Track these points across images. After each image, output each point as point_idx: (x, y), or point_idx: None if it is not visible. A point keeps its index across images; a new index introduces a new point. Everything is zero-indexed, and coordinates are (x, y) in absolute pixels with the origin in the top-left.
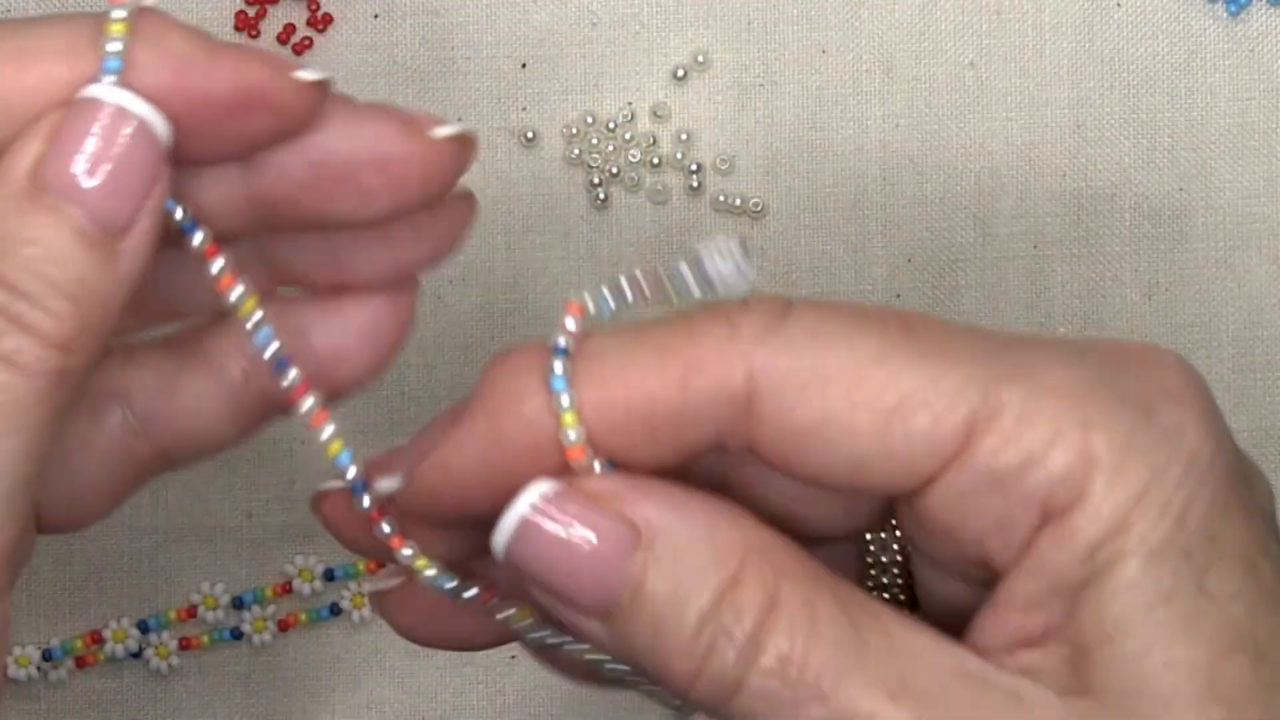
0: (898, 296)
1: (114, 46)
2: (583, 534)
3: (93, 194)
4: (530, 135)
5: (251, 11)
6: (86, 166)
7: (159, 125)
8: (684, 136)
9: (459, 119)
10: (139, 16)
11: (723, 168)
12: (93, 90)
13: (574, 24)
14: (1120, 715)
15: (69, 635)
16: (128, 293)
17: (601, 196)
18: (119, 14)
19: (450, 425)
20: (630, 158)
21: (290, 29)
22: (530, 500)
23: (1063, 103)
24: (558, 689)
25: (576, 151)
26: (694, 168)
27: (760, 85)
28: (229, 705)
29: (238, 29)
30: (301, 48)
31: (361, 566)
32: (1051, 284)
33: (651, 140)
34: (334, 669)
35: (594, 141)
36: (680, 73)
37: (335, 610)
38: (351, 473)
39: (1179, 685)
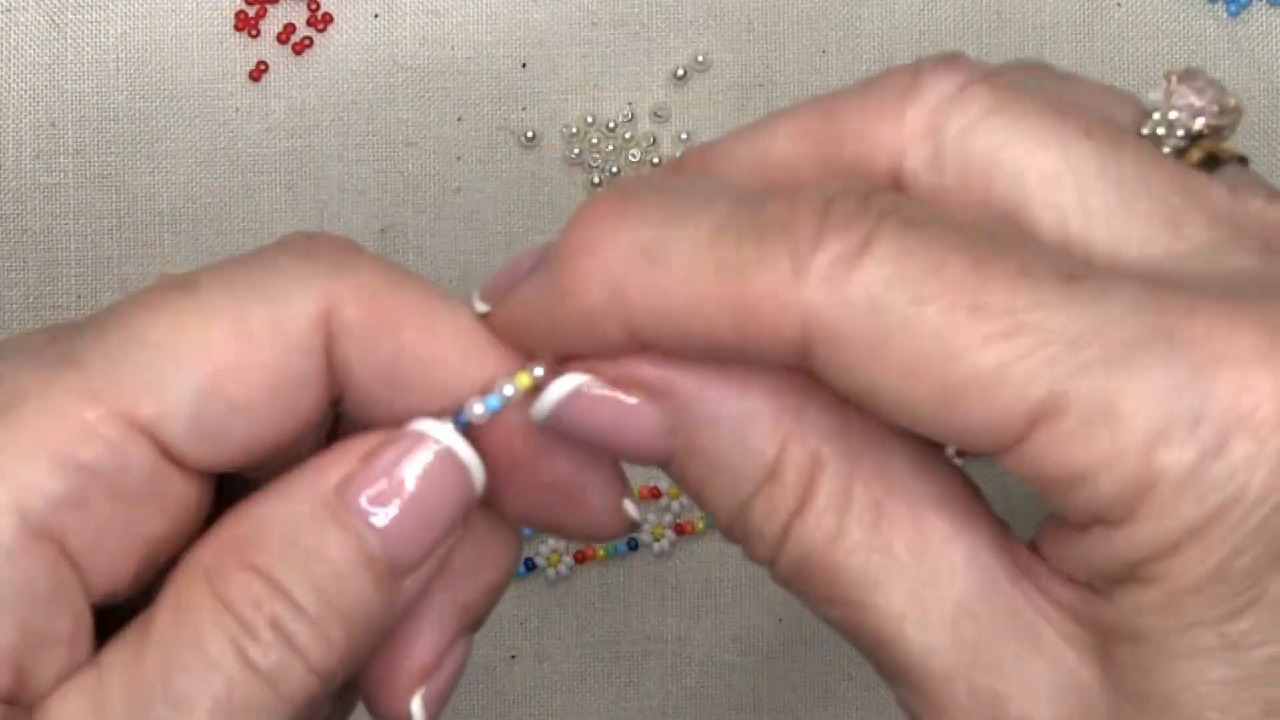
0: None
1: (493, 403)
2: (616, 418)
3: (394, 528)
4: (530, 135)
5: (251, 11)
6: (396, 501)
7: (478, 482)
8: (684, 137)
9: (460, 119)
10: (547, 372)
11: None
12: (429, 428)
13: (574, 24)
14: (1129, 706)
15: None
16: (390, 629)
17: None
18: (538, 371)
19: (528, 274)
20: (630, 158)
21: (290, 28)
22: (566, 387)
23: None
24: (557, 689)
25: (577, 151)
26: None
27: (760, 85)
28: None
29: (238, 29)
30: (301, 47)
31: None
32: None
33: (652, 140)
34: None
35: (594, 142)
36: (680, 73)
37: None
38: None
39: (1184, 706)
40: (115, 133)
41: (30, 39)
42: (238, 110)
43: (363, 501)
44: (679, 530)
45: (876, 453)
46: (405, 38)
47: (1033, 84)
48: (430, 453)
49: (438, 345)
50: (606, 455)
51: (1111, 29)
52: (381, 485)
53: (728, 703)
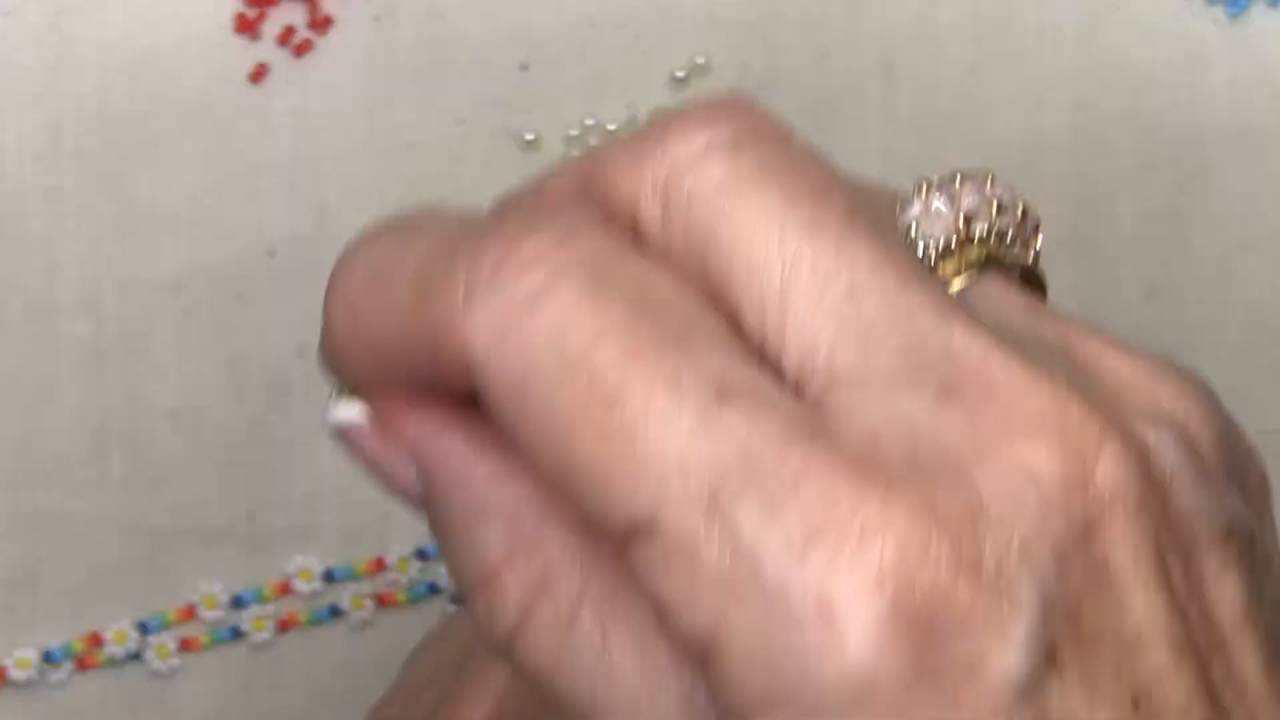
0: None
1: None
2: (380, 461)
3: None
4: (531, 138)
5: (251, 13)
6: None
7: None
8: None
9: (461, 121)
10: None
11: None
12: None
13: (574, 26)
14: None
15: (69, 637)
16: None
17: None
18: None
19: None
20: None
21: (290, 30)
22: (340, 415)
23: (1063, 105)
24: None
25: (577, 154)
26: None
27: (761, 88)
28: (229, 706)
29: (238, 30)
30: (302, 49)
31: (360, 569)
32: (1052, 285)
33: None
34: (335, 670)
35: (595, 144)
36: (681, 75)
37: (335, 611)
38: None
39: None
40: (115, 135)
41: (30, 41)
42: (238, 112)
43: None
44: None
45: (614, 570)
46: (406, 40)
47: (788, 159)
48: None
49: None
50: None
51: (1112, 31)
52: None
53: None
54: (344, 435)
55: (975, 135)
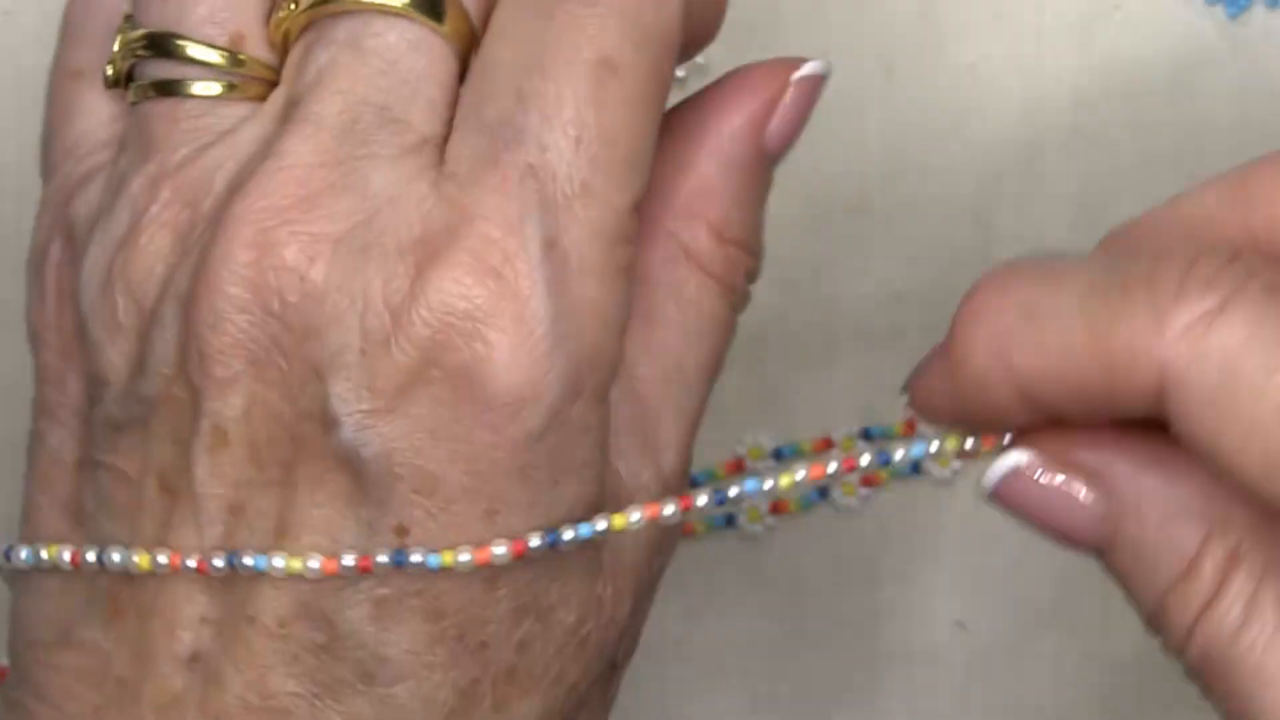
0: (898, 298)
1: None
2: (1055, 502)
3: (783, 144)
4: None
5: None
6: (794, 128)
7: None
8: None
9: None
10: None
11: None
12: (812, 70)
13: None
14: None
15: None
16: None
17: None
18: (969, 443)
19: (936, 354)
20: None
21: None
22: (1008, 464)
23: (1063, 104)
24: None
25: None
26: None
27: None
28: None
29: None
30: None
31: None
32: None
33: None
34: None
35: None
36: (681, 74)
37: None
38: None
39: None
40: None
41: (30, 39)
42: None
43: (774, 142)
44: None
45: None
46: None
47: None
48: (814, 85)
49: None
50: None
51: (1111, 31)
52: (787, 126)
53: (728, 703)
54: (1006, 488)
55: (975, 135)
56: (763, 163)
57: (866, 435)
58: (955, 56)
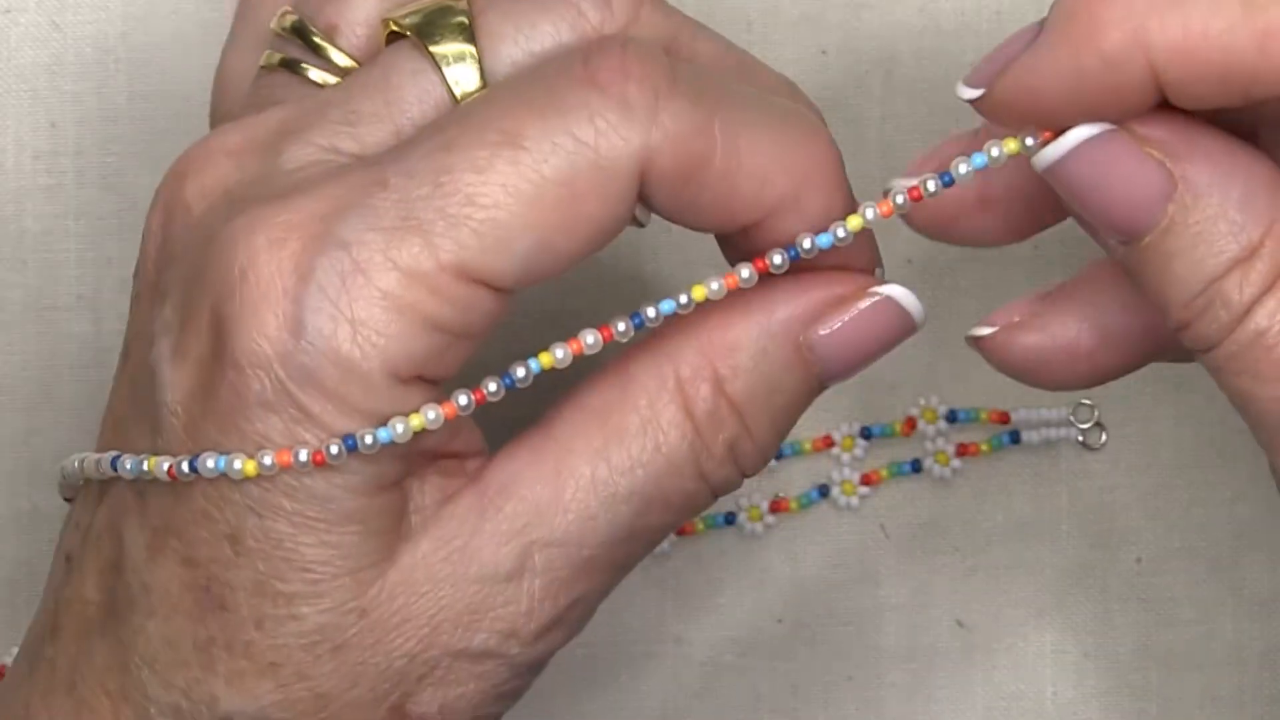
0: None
1: (978, 160)
2: (1123, 174)
3: (842, 366)
4: None
5: None
6: (852, 346)
7: (919, 323)
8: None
9: None
10: None
11: None
12: (896, 293)
13: None
14: None
15: None
16: None
17: None
18: (1028, 140)
19: (1033, 42)
20: None
21: None
22: (1085, 133)
23: None
24: (558, 689)
25: None
26: None
27: None
28: None
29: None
30: None
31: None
32: (1052, 283)
33: None
34: None
35: None
36: None
37: None
38: None
39: None
40: (115, 133)
41: (30, 39)
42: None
43: (822, 346)
44: (679, 531)
45: None
46: None
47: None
48: (894, 311)
49: (736, 181)
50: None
51: None
52: (843, 334)
53: (728, 703)
54: (1072, 159)
55: None
56: (802, 359)
57: (866, 434)
58: (956, 57)
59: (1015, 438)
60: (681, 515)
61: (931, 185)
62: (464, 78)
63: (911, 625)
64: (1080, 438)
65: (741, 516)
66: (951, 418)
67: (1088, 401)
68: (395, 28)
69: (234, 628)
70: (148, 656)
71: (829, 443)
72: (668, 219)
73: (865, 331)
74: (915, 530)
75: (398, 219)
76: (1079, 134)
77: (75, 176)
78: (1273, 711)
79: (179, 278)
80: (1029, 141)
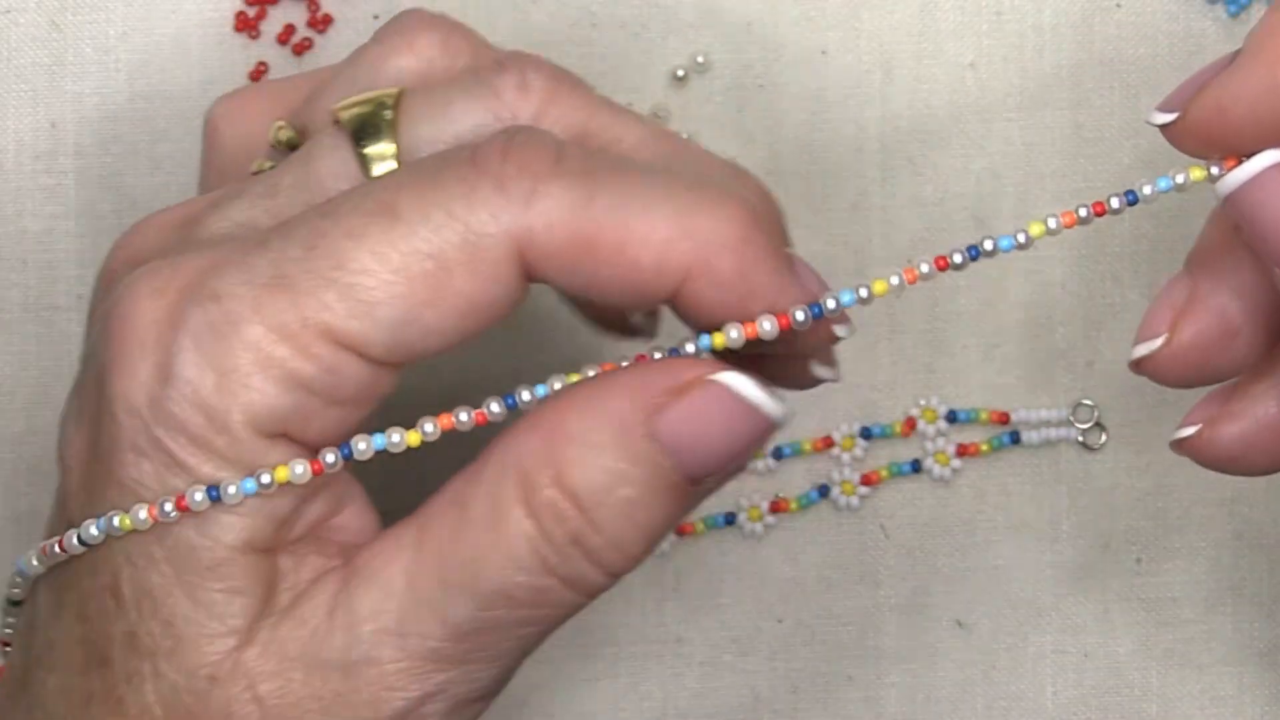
0: (899, 298)
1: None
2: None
3: (695, 461)
4: None
5: (251, 12)
6: (700, 438)
7: (779, 421)
8: (684, 137)
9: None
10: None
11: None
12: (735, 382)
13: (574, 25)
14: None
15: None
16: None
17: None
18: (1214, 169)
19: (1229, 65)
20: None
21: (290, 30)
22: (1273, 158)
23: (1062, 103)
24: (558, 689)
25: None
26: None
27: (760, 86)
28: None
29: (238, 29)
30: (301, 48)
31: None
32: (1051, 284)
33: None
34: None
35: None
36: (680, 74)
37: None
38: None
39: None
40: (115, 133)
41: (30, 39)
42: None
43: (666, 438)
44: (679, 531)
45: None
46: None
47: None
48: (734, 400)
49: (631, 254)
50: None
51: (1111, 29)
52: (683, 425)
53: (728, 703)
54: (1258, 183)
55: (975, 135)
56: (650, 452)
57: (866, 434)
58: (955, 57)
59: (1015, 438)
60: (538, 610)
61: (1083, 212)
62: (387, 160)
63: (911, 625)
64: (1080, 438)
65: (741, 516)
66: (951, 418)
67: (1088, 402)
68: (339, 119)
69: (110, 683)
70: (50, 713)
71: (829, 443)
72: (585, 298)
73: (707, 422)
74: (915, 530)
75: (270, 276)
76: (1267, 158)
77: (75, 176)
78: (1273, 711)
79: (88, 340)
80: (1214, 170)
